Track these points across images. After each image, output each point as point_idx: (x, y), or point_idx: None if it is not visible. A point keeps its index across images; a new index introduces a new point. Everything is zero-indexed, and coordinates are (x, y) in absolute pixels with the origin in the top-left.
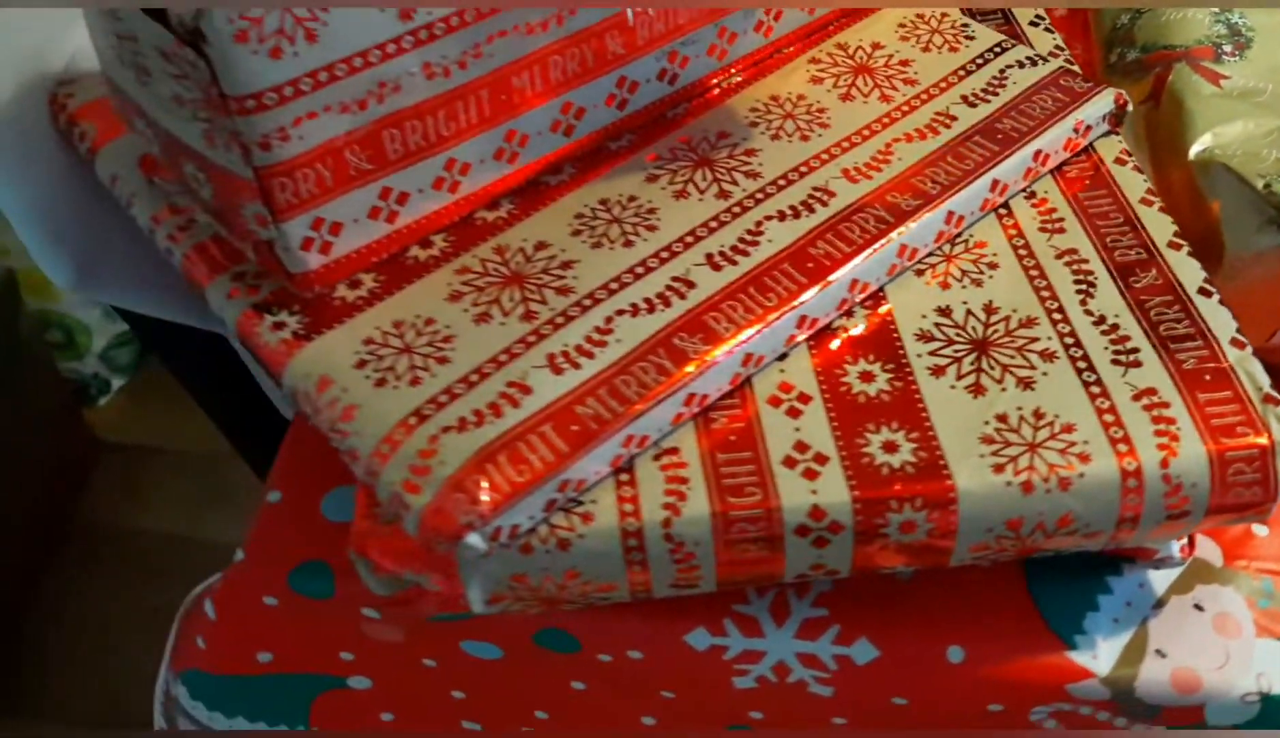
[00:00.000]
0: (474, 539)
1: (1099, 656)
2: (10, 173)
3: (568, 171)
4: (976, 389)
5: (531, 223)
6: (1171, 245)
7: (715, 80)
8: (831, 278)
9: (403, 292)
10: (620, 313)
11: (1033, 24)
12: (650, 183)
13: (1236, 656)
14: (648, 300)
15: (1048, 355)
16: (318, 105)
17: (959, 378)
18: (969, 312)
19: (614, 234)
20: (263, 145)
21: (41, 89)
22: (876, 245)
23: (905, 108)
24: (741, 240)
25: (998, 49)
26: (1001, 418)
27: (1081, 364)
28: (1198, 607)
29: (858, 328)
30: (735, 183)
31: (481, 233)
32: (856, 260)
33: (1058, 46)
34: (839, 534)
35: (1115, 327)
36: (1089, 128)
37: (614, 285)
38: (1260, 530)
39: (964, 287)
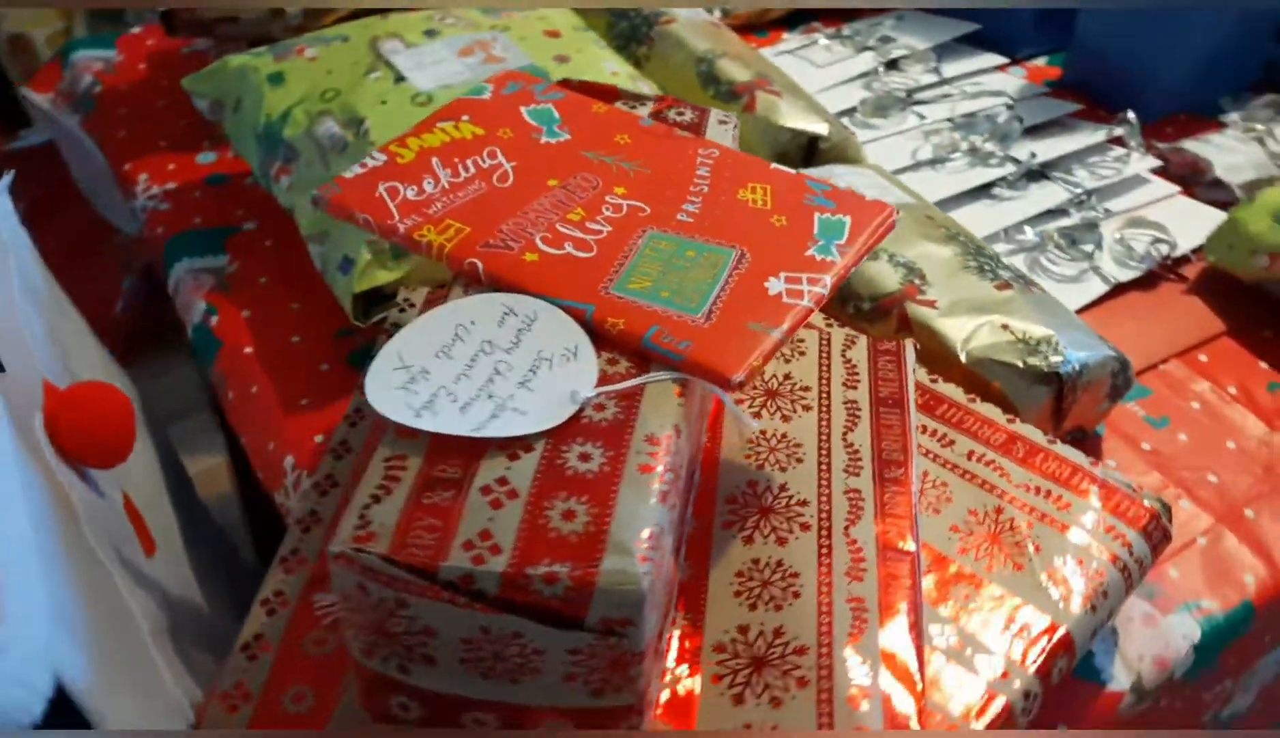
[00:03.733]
0: None
1: None
2: None
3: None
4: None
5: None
6: (1010, 421)
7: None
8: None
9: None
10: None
11: None
12: (749, 545)
13: None
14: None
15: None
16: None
17: None
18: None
19: (776, 594)
20: None
21: None
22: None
23: (825, 407)
24: (853, 561)
25: (827, 339)
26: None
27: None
28: None
29: None
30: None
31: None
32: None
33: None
34: None
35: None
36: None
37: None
38: None
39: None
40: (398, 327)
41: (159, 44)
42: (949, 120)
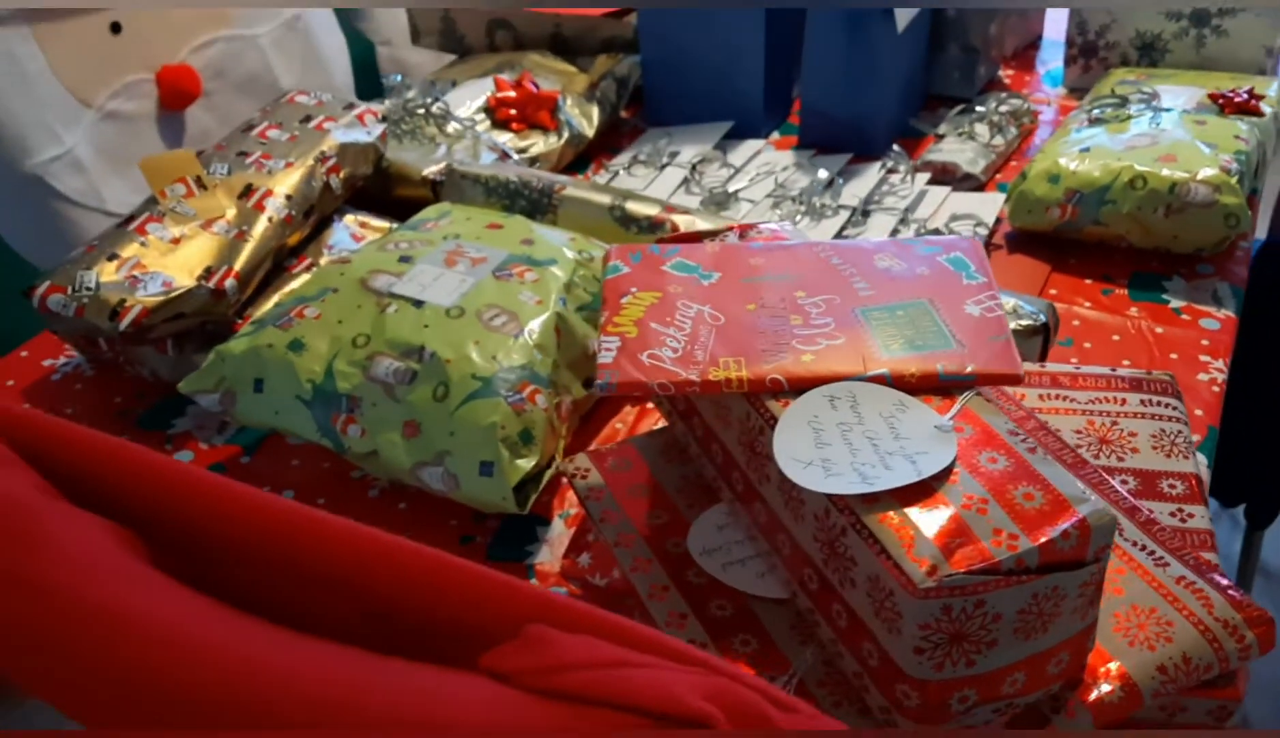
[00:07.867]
0: None
1: None
2: None
3: None
4: None
5: None
6: (1042, 366)
7: None
8: None
9: None
10: None
11: None
12: None
13: None
14: None
15: None
16: None
17: None
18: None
19: None
20: None
21: None
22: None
23: None
24: None
25: None
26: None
27: None
28: None
29: None
30: None
31: None
32: None
33: None
34: None
35: None
36: None
37: None
38: None
39: None
40: (587, 493)
41: (19, 383)
42: (770, 195)
